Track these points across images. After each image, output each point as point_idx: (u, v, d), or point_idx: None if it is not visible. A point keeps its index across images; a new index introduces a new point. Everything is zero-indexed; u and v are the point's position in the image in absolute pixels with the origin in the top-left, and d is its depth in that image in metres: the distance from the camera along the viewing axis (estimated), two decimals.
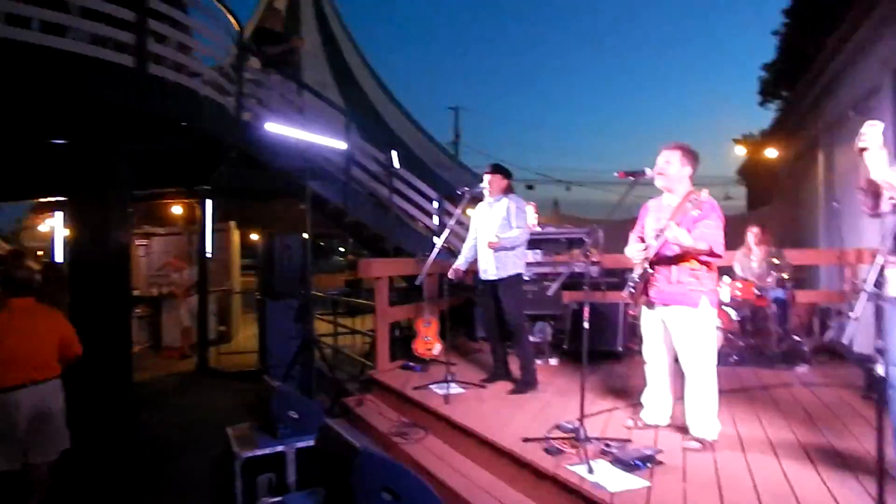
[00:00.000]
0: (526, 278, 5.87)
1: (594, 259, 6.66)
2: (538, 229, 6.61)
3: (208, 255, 8.41)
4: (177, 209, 10.93)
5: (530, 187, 22.56)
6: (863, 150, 2.30)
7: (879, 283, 1.80)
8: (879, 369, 1.80)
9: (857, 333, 4.09)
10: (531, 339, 6.05)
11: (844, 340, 1.89)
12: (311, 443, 3.06)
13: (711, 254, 3.03)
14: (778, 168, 13.51)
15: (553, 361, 5.57)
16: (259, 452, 3.32)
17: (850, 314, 1.78)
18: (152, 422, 5.78)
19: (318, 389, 5.51)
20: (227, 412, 5.72)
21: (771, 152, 13.10)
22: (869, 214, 2.40)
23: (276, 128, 5.72)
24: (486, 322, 4.79)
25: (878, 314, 1.94)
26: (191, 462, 4.56)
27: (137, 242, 9.87)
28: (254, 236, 12.73)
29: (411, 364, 5.31)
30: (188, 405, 6.52)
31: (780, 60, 16.93)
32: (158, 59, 5.26)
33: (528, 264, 6.14)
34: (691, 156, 3.20)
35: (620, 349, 5.52)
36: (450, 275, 4.64)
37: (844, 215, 5.97)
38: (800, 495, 2.51)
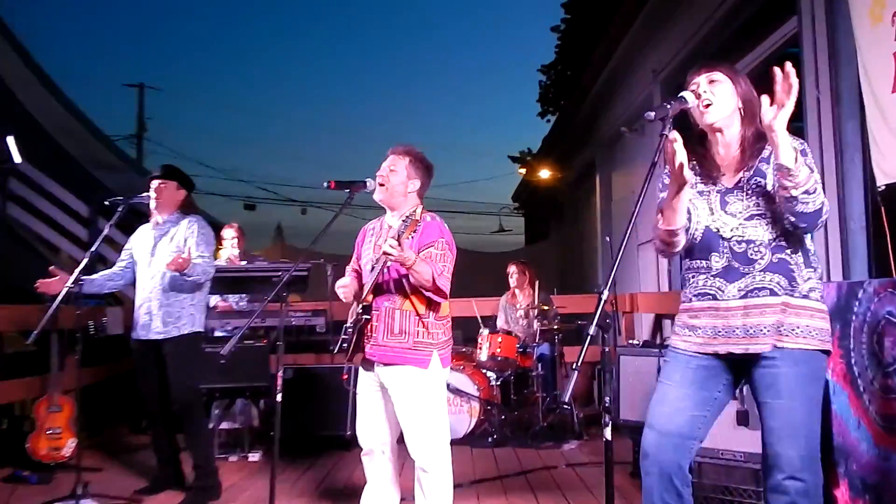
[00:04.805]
0: (218, 334, 5.65)
1: (319, 308, 6.70)
2: (242, 263, 6.38)
3: None
4: None
5: (250, 207, 21.88)
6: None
7: (605, 327, 1.99)
8: (606, 432, 1.98)
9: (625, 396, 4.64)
10: (227, 424, 5.82)
11: (564, 398, 2.04)
12: None
13: (435, 289, 3.13)
14: (557, 193, 15.19)
15: (254, 457, 5.48)
16: None
17: (573, 367, 1.94)
18: None
19: None
20: None
21: (545, 173, 14.58)
22: (662, 251, 2.33)
23: None
24: (147, 400, 4.45)
25: (605, 364, 2.16)
26: None
27: None
28: None
29: (24, 473, 4.84)
30: None
31: (559, 62, 19.26)
32: None
33: (224, 314, 5.91)
34: (423, 167, 3.34)
35: (349, 434, 5.52)
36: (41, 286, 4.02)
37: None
38: None
